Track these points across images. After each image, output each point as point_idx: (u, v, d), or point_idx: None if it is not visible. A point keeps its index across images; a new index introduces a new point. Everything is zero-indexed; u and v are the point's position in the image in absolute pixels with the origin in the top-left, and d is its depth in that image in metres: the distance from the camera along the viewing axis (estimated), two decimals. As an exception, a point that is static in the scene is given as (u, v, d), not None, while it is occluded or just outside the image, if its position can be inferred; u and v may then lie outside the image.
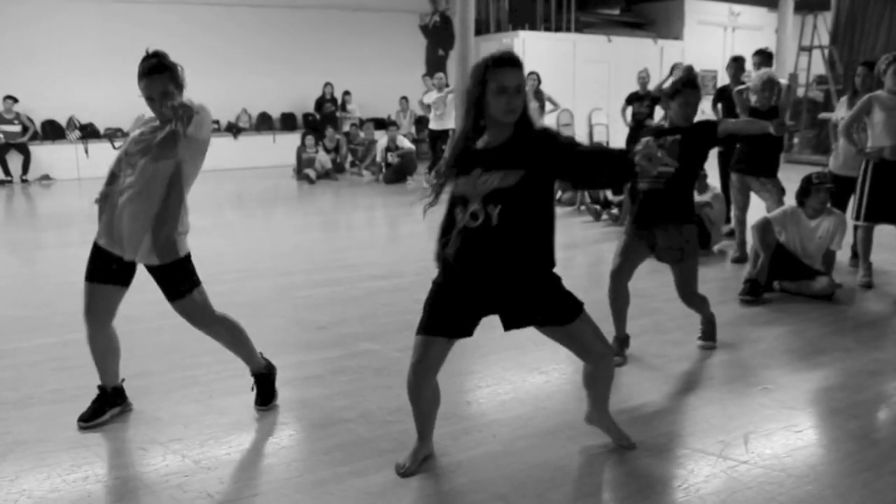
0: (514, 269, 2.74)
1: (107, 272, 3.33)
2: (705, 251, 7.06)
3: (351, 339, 4.62)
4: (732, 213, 7.04)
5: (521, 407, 3.63)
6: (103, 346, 3.43)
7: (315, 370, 4.10)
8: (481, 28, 15.48)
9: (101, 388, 3.48)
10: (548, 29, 16.42)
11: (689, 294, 4.26)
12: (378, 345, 4.51)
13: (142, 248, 3.25)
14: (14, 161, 13.18)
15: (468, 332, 2.89)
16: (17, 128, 13.14)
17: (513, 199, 2.65)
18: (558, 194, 9.65)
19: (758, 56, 7.56)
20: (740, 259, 6.56)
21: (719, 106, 8.08)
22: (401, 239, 8.89)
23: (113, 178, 3.30)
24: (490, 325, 4.32)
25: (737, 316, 5.09)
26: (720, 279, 6.07)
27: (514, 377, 3.95)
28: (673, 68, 10.85)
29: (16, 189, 12.72)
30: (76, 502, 2.79)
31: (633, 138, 9.76)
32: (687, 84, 4.11)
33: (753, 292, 5.42)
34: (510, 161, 2.66)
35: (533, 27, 16.15)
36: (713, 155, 7.96)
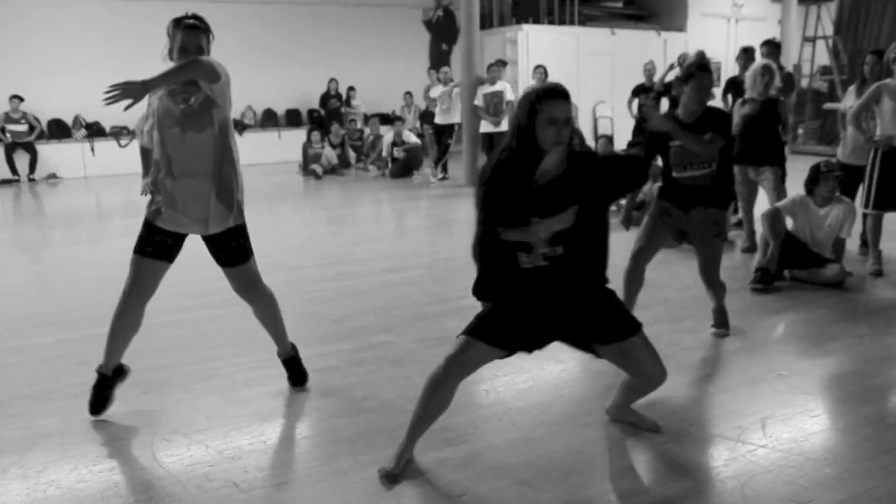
0: (577, 292, 2.86)
1: (161, 247, 3.35)
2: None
3: (365, 332, 4.65)
4: (739, 204, 7.04)
5: (539, 395, 3.66)
6: (130, 323, 3.41)
7: (332, 362, 4.13)
8: (485, 22, 15.46)
9: (101, 374, 3.47)
10: (551, 22, 16.39)
11: (713, 276, 4.34)
12: (392, 336, 4.54)
13: (216, 217, 3.33)
14: (21, 160, 13.23)
15: (521, 349, 2.98)
16: (23, 127, 13.18)
17: (574, 233, 2.77)
18: None
19: (765, 46, 7.58)
20: (750, 249, 6.58)
21: (729, 96, 8.09)
22: (409, 232, 8.92)
23: (157, 165, 3.33)
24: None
25: (749, 304, 5.12)
26: (730, 268, 6.09)
27: (530, 366, 3.97)
28: (675, 62, 10.76)
29: (23, 188, 12.76)
30: (103, 492, 2.83)
31: (638, 131, 9.77)
32: (700, 67, 4.11)
33: (764, 280, 5.45)
34: (563, 199, 2.75)
35: (536, 21, 16.13)
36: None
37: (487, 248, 2.85)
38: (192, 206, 3.30)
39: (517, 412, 3.45)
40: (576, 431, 3.27)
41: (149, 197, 3.43)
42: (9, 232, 9.20)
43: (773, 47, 7.55)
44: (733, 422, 3.31)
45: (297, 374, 3.78)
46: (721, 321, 4.48)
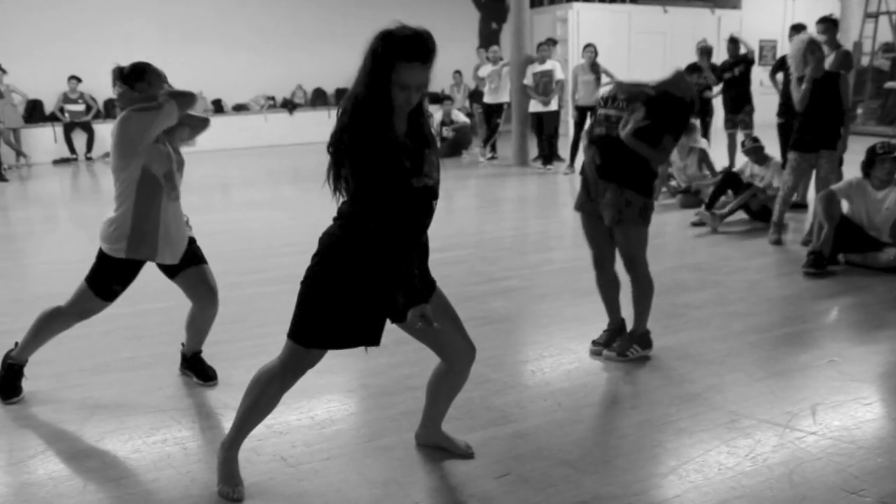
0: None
1: (116, 293, 3.43)
2: (766, 224, 6.95)
3: (412, 311, 4.67)
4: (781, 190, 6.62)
5: (585, 376, 3.66)
6: (60, 328, 3.55)
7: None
8: (535, 0, 15.32)
9: (17, 364, 3.54)
10: (602, 0, 16.17)
11: (631, 261, 3.75)
12: (439, 316, 4.55)
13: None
14: (79, 139, 13.55)
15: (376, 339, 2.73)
16: (81, 107, 13.48)
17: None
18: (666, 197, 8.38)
19: (822, 24, 7.20)
20: (778, 242, 6.20)
21: (779, 76, 7.88)
22: (457, 212, 8.91)
23: (154, 188, 3.32)
24: (551, 295, 4.35)
25: (801, 289, 5.02)
26: (783, 251, 5.98)
27: (577, 347, 3.96)
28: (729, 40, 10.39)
29: (80, 166, 13.08)
30: (157, 462, 2.91)
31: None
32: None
33: (818, 265, 5.33)
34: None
35: (587, -2, 15.93)
36: (773, 126, 7.78)
37: (405, 204, 2.50)
38: (180, 229, 3.41)
39: (563, 393, 3.45)
40: (621, 413, 3.27)
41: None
42: (67, 209, 9.46)
43: (829, 24, 7.17)
44: (782, 407, 3.27)
45: (201, 370, 3.74)
46: (642, 342, 3.90)
